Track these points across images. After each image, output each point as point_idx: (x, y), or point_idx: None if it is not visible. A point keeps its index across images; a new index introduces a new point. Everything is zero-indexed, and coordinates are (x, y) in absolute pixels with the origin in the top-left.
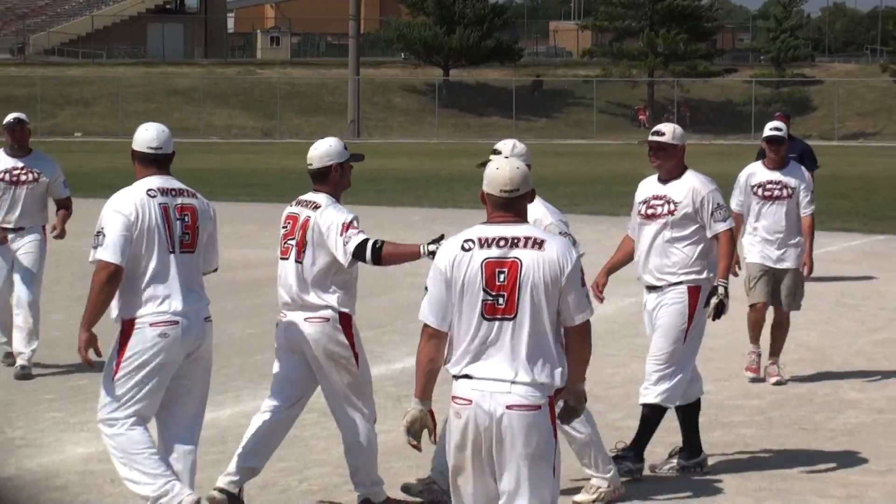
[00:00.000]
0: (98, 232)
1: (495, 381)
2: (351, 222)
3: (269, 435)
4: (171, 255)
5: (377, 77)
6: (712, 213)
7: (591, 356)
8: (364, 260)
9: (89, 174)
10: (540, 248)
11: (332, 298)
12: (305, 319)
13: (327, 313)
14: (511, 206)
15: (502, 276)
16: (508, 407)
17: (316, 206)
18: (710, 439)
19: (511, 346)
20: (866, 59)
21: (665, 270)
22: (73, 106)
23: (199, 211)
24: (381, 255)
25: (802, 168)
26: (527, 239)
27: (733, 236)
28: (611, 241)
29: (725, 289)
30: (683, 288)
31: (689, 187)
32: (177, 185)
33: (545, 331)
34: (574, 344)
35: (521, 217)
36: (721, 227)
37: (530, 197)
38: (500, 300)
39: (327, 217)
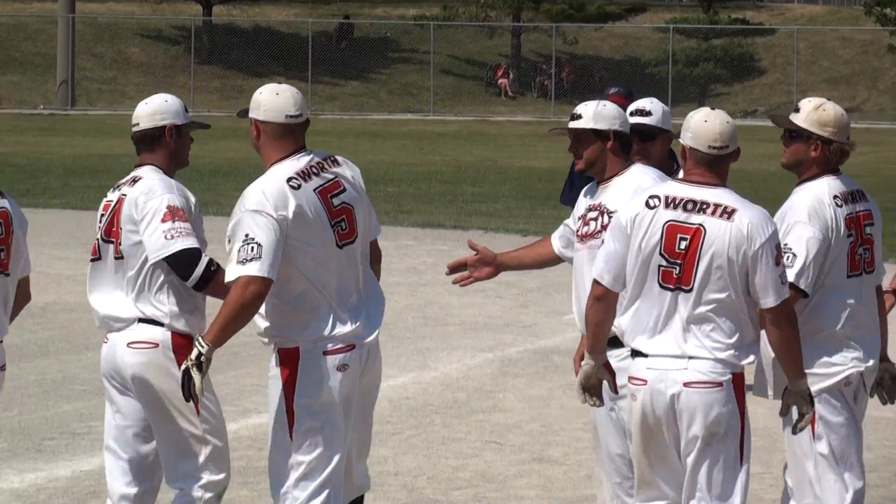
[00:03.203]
0: None
1: (671, 358)
2: (178, 209)
3: None
4: None
5: (102, 16)
6: None
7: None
8: (187, 277)
9: None
10: (729, 217)
11: (161, 312)
12: (128, 345)
13: (155, 335)
14: (715, 166)
15: (683, 243)
16: (686, 384)
17: (135, 180)
18: None
19: (689, 319)
20: None
21: None
22: None
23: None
24: (210, 280)
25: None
26: (717, 206)
27: None
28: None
29: None
30: None
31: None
32: None
33: (729, 307)
34: (768, 330)
35: (721, 179)
36: None
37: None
38: (679, 269)
39: (148, 196)
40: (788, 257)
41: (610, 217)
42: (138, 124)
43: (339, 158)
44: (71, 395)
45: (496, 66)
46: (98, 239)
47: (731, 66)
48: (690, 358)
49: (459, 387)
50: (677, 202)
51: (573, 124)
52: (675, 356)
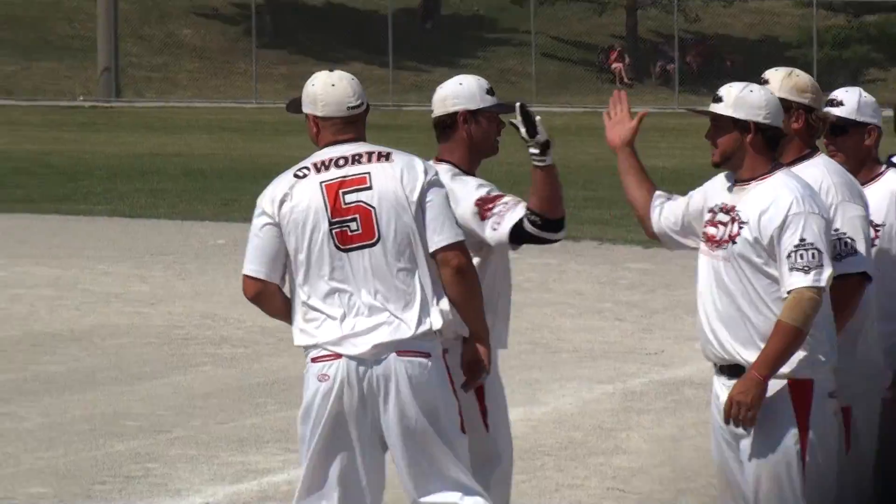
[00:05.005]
0: None
1: None
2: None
3: None
4: None
5: None
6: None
7: None
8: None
9: None
10: None
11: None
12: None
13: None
14: None
15: None
16: None
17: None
18: None
19: None
20: None
21: None
22: None
23: None
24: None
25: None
26: None
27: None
28: (569, 283)
29: None
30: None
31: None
32: None
33: None
34: None
35: None
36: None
37: None
38: None
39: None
40: None
41: (741, 227)
42: (433, 111)
43: (397, 154)
44: (124, 432)
45: (609, 49)
46: None
47: (889, 46)
48: None
49: (575, 424)
50: None
51: (711, 107)
52: None
